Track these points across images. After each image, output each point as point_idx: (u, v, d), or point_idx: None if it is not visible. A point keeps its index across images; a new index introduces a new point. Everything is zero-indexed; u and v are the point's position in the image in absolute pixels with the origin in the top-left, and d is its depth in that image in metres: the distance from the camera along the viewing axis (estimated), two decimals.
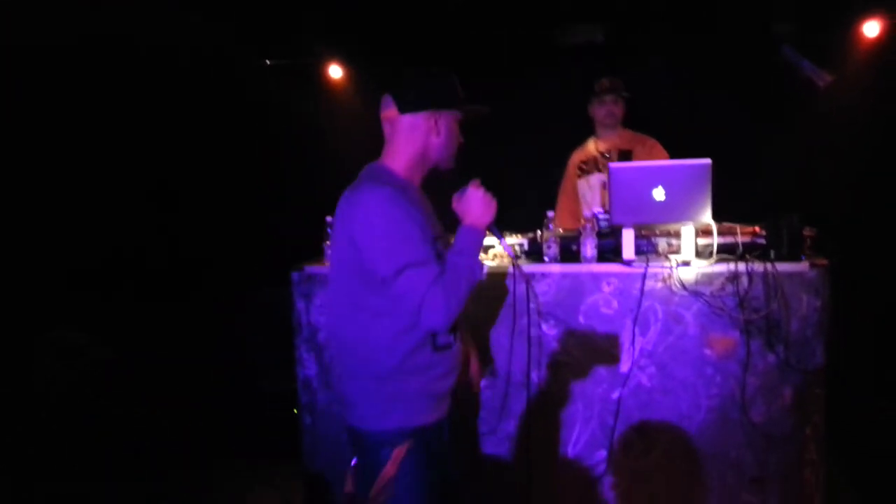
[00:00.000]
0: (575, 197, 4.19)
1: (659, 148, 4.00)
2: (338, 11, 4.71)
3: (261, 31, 4.85)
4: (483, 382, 3.25)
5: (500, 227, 2.03)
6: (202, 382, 4.47)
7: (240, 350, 4.50)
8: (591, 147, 4.16)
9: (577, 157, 4.21)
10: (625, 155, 3.97)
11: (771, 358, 2.97)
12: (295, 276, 3.47)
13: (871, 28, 4.46)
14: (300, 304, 3.45)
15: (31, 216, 4.35)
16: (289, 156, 5.17)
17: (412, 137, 1.98)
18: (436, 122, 1.98)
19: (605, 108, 3.99)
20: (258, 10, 4.52)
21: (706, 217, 3.03)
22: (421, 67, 2.03)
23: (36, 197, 4.36)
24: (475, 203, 1.93)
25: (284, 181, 5.13)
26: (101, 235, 4.62)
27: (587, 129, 4.22)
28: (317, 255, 3.52)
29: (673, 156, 3.85)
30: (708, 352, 3.03)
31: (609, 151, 4.02)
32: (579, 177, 4.17)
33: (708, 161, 3.01)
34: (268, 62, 5.31)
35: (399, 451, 1.91)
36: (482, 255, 3.36)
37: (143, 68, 4.59)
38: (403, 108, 1.98)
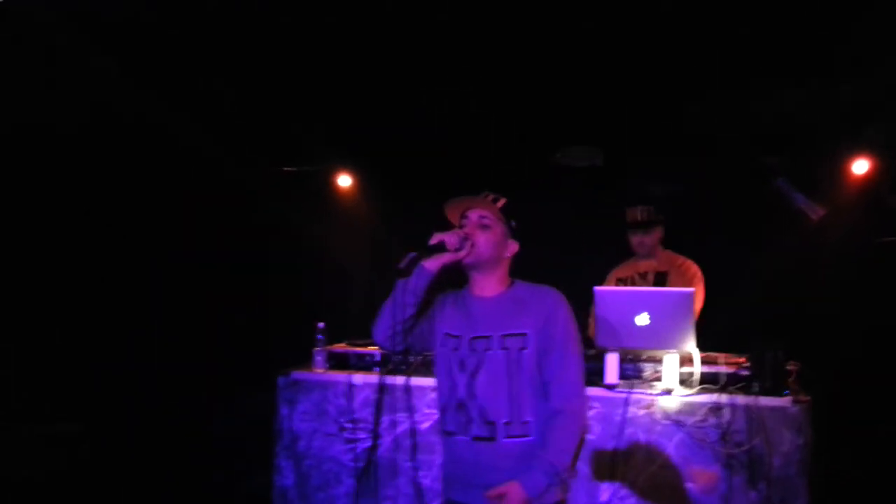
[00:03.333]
0: None
1: (693, 270, 3.95)
2: (351, 124, 4.92)
3: (272, 139, 5.05)
4: None
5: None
6: (181, 483, 4.40)
7: (221, 452, 4.44)
8: (631, 266, 4.12)
9: (617, 273, 4.15)
10: (660, 277, 3.98)
11: (753, 495, 2.90)
12: (281, 380, 3.48)
13: (861, 166, 4.62)
14: (284, 410, 3.45)
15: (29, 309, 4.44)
16: (288, 260, 5.27)
17: None
18: None
19: (636, 239, 4.00)
20: (273, 119, 4.73)
21: (689, 345, 3.05)
22: None
23: (37, 289, 4.46)
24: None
25: (280, 285, 5.21)
26: (96, 328, 4.68)
27: (586, 248, 4.29)
28: (305, 360, 3.54)
29: None
30: (690, 485, 2.97)
31: (646, 273, 4.04)
32: None
33: (691, 290, 3.07)
34: (284, 169, 5.50)
35: None
36: None
37: (150, 168, 4.77)
38: None
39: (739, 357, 3.21)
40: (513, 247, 2.21)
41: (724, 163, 4.81)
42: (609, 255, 4.24)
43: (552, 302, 2.14)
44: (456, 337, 2.15)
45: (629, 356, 3.26)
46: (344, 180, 5.60)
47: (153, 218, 4.89)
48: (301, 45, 3.86)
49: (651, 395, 3.02)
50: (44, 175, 4.42)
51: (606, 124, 4.81)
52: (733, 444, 2.92)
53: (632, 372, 3.25)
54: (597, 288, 3.22)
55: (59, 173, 4.47)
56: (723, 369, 3.11)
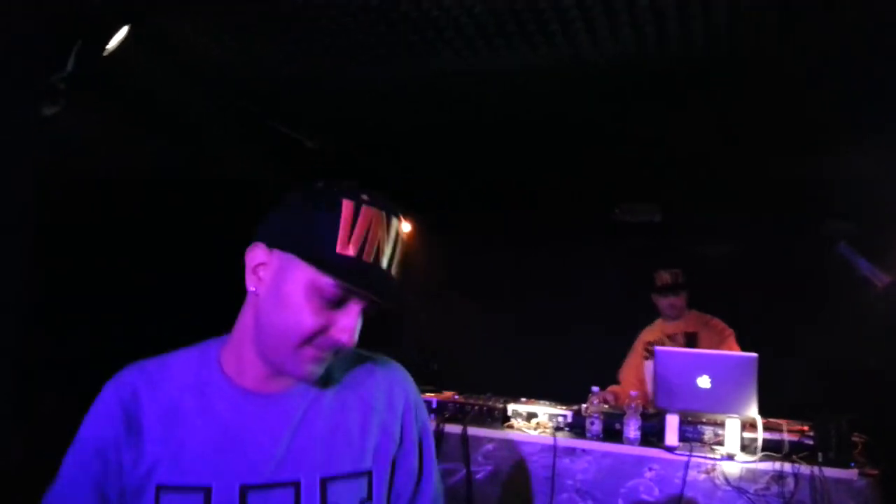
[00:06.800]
0: (639, 374, 4.08)
1: (722, 328, 3.95)
2: (413, 172, 5.04)
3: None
4: None
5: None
6: None
7: None
8: (659, 329, 4.15)
9: (645, 336, 4.18)
10: (691, 338, 3.99)
11: None
12: None
13: None
14: None
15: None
16: None
17: None
18: None
19: (666, 302, 4.04)
20: (332, 164, 4.87)
21: (751, 410, 3.03)
22: None
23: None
24: None
25: None
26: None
27: (637, 306, 4.30)
28: None
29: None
30: None
31: (675, 335, 4.05)
32: (646, 357, 4.08)
33: (754, 355, 3.06)
34: None
35: None
36: (524, 424, 3.39)
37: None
38: None
39: (803, 425, 3.17)
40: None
41: (787, 226, 4.79)
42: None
43: (404, 391, 1.23)
44: (199, 490, 1.05)
45: (689, 418, 3.25)
46: (404, 227, 5.71)
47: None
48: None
49: (712, 459, 2.99)
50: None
51: (667, 182, 4.86)
52: None
53: (692, 434, 3.22)
54: (658, 348, 3.24)
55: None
56: (786, 437, 3.06)
